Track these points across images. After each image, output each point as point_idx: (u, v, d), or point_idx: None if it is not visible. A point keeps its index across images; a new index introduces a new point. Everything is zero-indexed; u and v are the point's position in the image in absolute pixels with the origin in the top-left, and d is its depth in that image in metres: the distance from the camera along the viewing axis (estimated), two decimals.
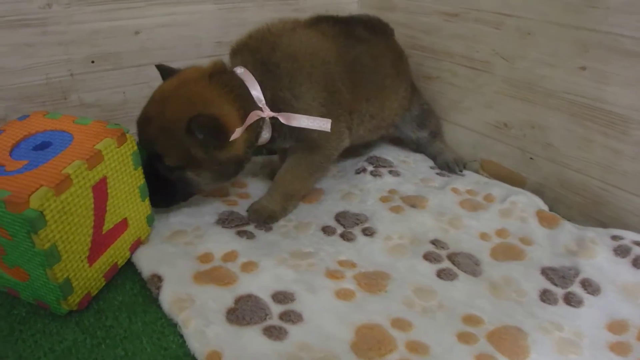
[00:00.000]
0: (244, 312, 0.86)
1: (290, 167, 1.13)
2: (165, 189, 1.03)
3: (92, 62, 1.18)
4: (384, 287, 0.94)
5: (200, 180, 1.02)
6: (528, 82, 1.16)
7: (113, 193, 0.93)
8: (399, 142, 1.44)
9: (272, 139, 1.10)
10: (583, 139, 1.10)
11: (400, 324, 0.86)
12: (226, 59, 1.15)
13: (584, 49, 1.06)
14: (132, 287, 0.94)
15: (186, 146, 0.97)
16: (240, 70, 1.05)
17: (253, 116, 1.02)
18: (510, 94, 1.20)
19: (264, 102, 1.04)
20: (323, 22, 1.18)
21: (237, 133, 0.99)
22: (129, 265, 0.98)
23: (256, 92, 1.04)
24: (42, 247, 0.80)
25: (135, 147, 0.96)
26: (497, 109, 1.24)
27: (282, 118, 1.04)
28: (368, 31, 1.23)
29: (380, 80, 1.22)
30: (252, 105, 1.03)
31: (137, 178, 0.98)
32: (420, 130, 1.33)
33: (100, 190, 0.90)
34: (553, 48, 1.11)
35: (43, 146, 0.92)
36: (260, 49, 1.07)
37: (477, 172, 1.32)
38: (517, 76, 1.18)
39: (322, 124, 1.04)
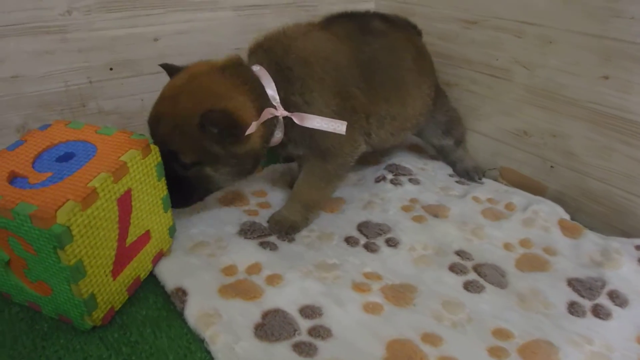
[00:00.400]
0: (272, 327, 0.83)
1: (306, 178, 1.10)
2: (183, 188, 0.98)
3: (111, 69, 1.15)
4: (411, 300, 0.92)
5: (219, 176, 0.98)
6: (549, 90, 1.14)
7: (137, 205, 0.90)
8: (417, 148, 1.42)
9: (283, 144, 1.06)
10: (605, 148, 1.08)
11: (431, 338, 0.84)
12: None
13: (607, 58, 1.04)
14: (155, 301, 0.91)
15: (201, 142, 0.93)
16: (256, 68, 1.01)
17: (266, 113, 0.97)
18: (531, 101, 1.18)
19: (278, 100, 1.00)
20: (336, 22, 1.14)
21: (253, 127, 0.94)
22: (151, 277, 0.95)
23: (271, 90, 1.00)
24: (68, 263, 0.77)
25: (160, 158, 0.93)
26: (516, 117, 1.22)
27: (296, 118, 1.00)
28: (385, 24, 1.17)
29: (400, 76, 1.15)
30: (267, 102, 0.99)
31: (161, 189, 0.95)
32: (446, 137, 1.28)
33: (124, 203, 0.87)
34: (575, 57, 1.08)
35: (66, 157, 0.90)
36: (274, 50, 1.04)
37: (496, 180, 1.30)
38: (537, 84, 1.16)
39: (337, 126, 0.99)
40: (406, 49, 1.18)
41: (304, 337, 0.83)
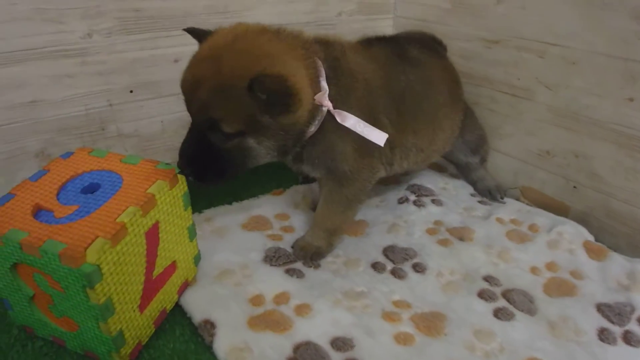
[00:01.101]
0: None
1: (326, 203, 1.04)
2: (216, 163, 0.86)
3: (131, 91, 1.10)
4: (442, 330, 0.88)
5: (261, 150, 0.87)
6: (572, 111, 1.11)
7: (164, 236, 0.86)
8: (436, 166, 1.39)
9: (299, 157, 0.98)
10: (631, 170, 1.05)
11: None
12: None
13: (633, 80, 1.00)
14: (182, 333, 0.87)
15: (249, 109, 0.81)
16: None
17: (322, 99, 0.88)
18: (554, 122, 1.15)
19: (327, 93, 0.90)
20: (376, 45, 1.08)
21: (307, 97, 0.84)
22: (177, 308, 0.91)
23: (324, 81, 0.90)
24: (98, 301, 0.73)
25: (186, 188, 0.89)
26: (539, 137, 1.18)
27: (339, 116, 0.91)
28: (424, 52, 1.12)
29: (434, 110, 1.10)
30: (318, 88, 0.89)
31: (187, 219, 0.91)
32: (472, 155, 1.25)
33: (152, 236, 0.83)
34: (599, 78, 1.05)
35: (92, 188, 0.86)
36: (334, 47, 0.97)
37: (517, 199, 1.27)
38: (560, 105, 1.12)
39: (377, 136, 0.92)
40: (443, 80, 1.13)
41: None
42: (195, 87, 0.83)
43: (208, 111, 0.83)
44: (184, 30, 0.91)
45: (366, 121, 0.95)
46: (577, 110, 1.10)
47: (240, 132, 0.84)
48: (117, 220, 0.76)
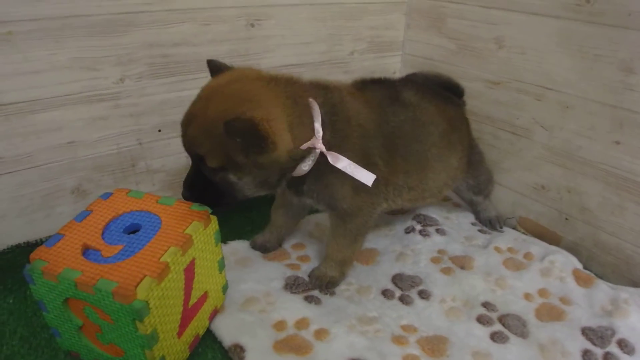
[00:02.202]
0: None
1: (333, 238, 1.14)
2: (211, 192, 0.97)
3: (159, 130, 1.22)
4: (445, 352, 1.01)
5: (243, 185, 0.97)
6: (566, 150, 1.24)
7: (198, 270, 0.98)
8: None
9: (300, 191, 1.07)
10: (617, 206, 1.18)
11: None
12: None
13: (620, 125, 1.13)
14: (213, 356, 0.99)
15: (226, 148, 0.91)
16: (311, 99, 1.00)
17: (315, 141, 0.97)
18: (549, 159, 1.27)
19: (321, 135, 0.99)
20: (369, 88, 1.16)
21: (282, 140, 0.93)
22: (208, 333, 1.03)
23: (318, 125, 0.99)
24: (145, 332, 0.85)
25: (217, 227, 1.01)
26: (535, 172, 1.31)
27: (330, 157, 1.00)
28: (418, 94, 1.19)
29: (423, 150, 1.17)
30: (310, 132, 0.98)
31: (217, 253, 1.03)
32: (477, 195, 1.37)
33: (189, 271, 0.95)
34: (591, 122, 1.18)
35: (133, 228, 0.97)
36: (333, 94, 1.05)
37: (514, 228, 1.40)
38: (555, 144, 1.25)
39: (366, 177, 1.00)
40: (434, 123, 1.18)
41: None
42: (187, 123, 0.95)
43: (195, 147, 0.94)
44: (208, 61, 1.01)
45: (360, 162, 1.03)
46: (570, 150, 1.23)
47: (223, 168, 0.95)
48: (161, 259, 0.88)
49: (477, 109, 1.38)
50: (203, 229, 0.97)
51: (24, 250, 1.16)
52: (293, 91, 0.99)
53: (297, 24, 1.31)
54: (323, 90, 1.05)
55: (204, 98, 0.95)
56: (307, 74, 1.37)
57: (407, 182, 1.16)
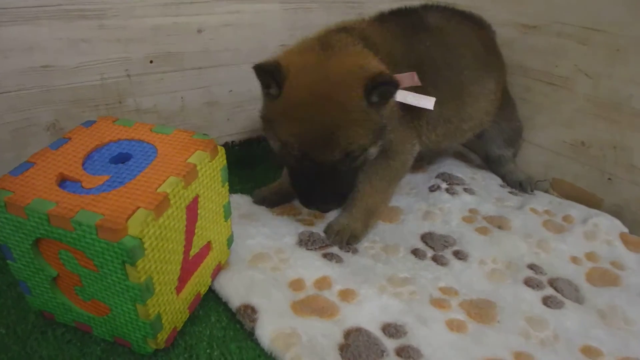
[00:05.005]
0: (358, 348, 0.76)
1: (369, 179, 1.03)
2: (344, 189, 0.95)
3: (151, 62, 1.04)
4: (495, 317, 0.87)
5: (375, 154, 0.95)
6: (613, 100, 1.11)
7: (202, 213, 0.81)
8: (462, 156, 1.38)
9: None
10: None
11: (524, 357, 0.79)
12: None
13: None
14: (218, 319, 0.82)
15: (370, 117, 0.88)
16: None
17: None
18: (592, 111, 1.15)
19: None
20: (390, 19, 1.09)
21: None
22: (210, 293, 0.86)
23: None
24: (138, 280, 0.68)
25: (225, 162, 0.85)
26: (574, 127, 1.19)
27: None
28: (443, 16, 1.11)
29: (456, 75, 1.09)
30: None
31: (224, 196, 0.86)
32: (506, 148, 1.25)
33: (192, 211, 0.78)
34: None
35: (122, 159, 0.80)
36: (360, 32, 1.00)
37: (546, 191, 1.27)
38: (600, 94, 1.12)
39: (425, 102, 0.95)
40: (465, 45, 1.11)
41: (392, 358, 0.76)
42: (316, 124, 0.86)
43: (341, 149, 0.87)
44: (253, 68, 0.88)
45: None
46: (618, 100, 1.10)
47: (364, 148, 0.91)
48: (158, 190, 0.71)
49: (508, 59, 1.24)
50: (209, 161, 0.80)
51: None
52: (359, 40, 0.96)
53: None
54: (350, 31, 1.00)
55: (318, 100, 0.85)
56: (318, 13, 1.23)
57: (442, 113, 1.06)
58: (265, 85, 0.90)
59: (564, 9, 1.14)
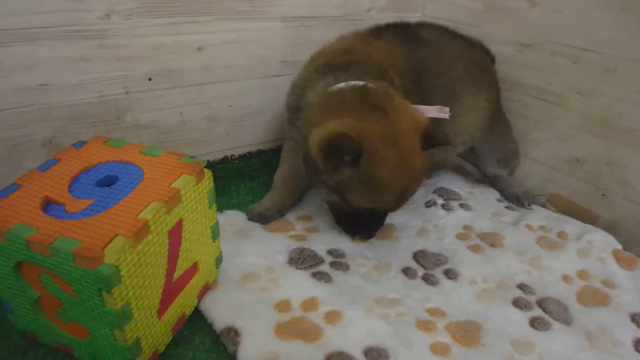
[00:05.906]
0: None
1: None
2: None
3: (150, 79, 0.97)
4: (479, 340, 0.78)
5: None
6: (606, 118, 1.01)
7: (187, 236, 0.74)
8: (461, 170, 1.28)
9: None
10: None
11: None
12: (290, 78, 0.98)
13: None
14: (202, 342, 0.75)
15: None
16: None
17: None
18: (586, 129, 1.05)
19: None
20: (386, 31, 1.03)
21: None
22: (196, 314, 0.79)
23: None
24: (114, 307, 0.61)
25: (212, 184, 0.77)
26: (570, 143, 1.08)
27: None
28: (438, 33, 1.06)
29: (449, 83, 1.03)
30: None
31: (211, 217, 0.79)
32: (500, 168, 1.16)
33: (175, 235, 0.71)
34: (636, 86, 0.95)
35: (108, 181, 0.73)
36: (363, 63, 0.92)
37: (543, 206, 1.16)
38: (594, 112, 1.02)
39: (434, 113, 0.91)
40: (457, 58, 1.05)
41: None
42: (402, 202, 0.88)
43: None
44: (322, 148, 0.82)
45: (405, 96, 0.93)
46: (611, 117, 1.00)
47: None
48: (139, 217, 0.64)
49: (505, 75, 1.15)
50: (194, 184, 0.72)
51: None
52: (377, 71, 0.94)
53: None
54: (357, 56, 0.95)
55: (402, 159, 0.83)
56: (320, 30, 1.14)
57: (440, 122, 0.98)
58: (333, 160, 0.82)
59: (558, 29, 1.05)
